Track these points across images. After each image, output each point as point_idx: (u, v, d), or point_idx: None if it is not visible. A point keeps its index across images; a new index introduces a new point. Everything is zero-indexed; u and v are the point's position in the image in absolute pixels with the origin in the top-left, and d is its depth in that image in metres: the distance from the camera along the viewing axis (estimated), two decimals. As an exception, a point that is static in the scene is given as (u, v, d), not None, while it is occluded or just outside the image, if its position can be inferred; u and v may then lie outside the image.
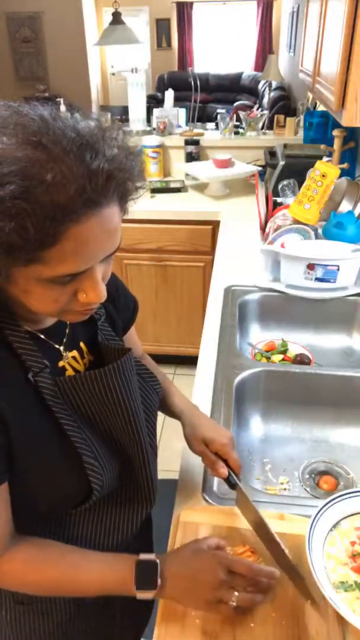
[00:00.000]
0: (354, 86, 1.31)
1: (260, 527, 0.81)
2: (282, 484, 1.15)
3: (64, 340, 0.77)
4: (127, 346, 0.88)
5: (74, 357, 0.78)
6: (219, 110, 3.56)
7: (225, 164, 2.72)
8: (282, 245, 1.66)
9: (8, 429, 0.66)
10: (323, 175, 1.64)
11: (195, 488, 0.96)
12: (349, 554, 0.78)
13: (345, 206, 1.80)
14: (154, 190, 2.75)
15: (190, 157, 2.97)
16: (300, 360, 1.43)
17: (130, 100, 3.09)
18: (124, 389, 0.75)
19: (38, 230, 0.53)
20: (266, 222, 1.89)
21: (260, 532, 0.82)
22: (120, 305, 0.91)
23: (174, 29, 9.10)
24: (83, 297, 0.63)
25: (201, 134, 3.06)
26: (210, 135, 3.12)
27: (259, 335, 1.63)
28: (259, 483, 1.15)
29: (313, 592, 0.73)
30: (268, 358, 1.46)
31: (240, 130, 3.10)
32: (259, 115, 3.08)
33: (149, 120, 3.17)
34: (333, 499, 0.84)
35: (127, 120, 3.19)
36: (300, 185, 1.78)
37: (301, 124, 2.98)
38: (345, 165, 2.04)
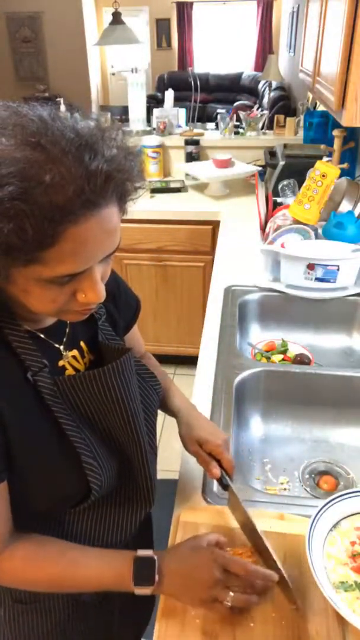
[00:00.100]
0: (354, 86, 1.31)
1: (249, 529, 0.81)
2: (282, 484, 1.15)
3: (64, 339, 0.77)
4: (130, 345, 0.88)
5: (74, 357, 0.78)
6: (219, 110, 3.56)
7: (225, 164, 2.72)
8: (282, 245, 1.66)
9: (7, 428, 0.66)
10: (323, 175, 1.64)
11: (195, 488, 0.96)
12: (349, 554, 0.78)
13: (345, 206, 1.80)
14: (154, 190, 2.74)
15: (190, 157, 2.97)
16: (300, 360, 1.43)
17: (130, 100, 3.09)
18: (123, 389, 0.75)
19: (36, 231, 0.54)
20: (266, 222, 1.89)
21: (249, 534, 0.82)
22: (122, 305, 0.91)
23: (174, 29, 9.10)
24: (82, 297, 0.63)
25: (201, 134, 3.06)
26: (210, 135, 3.12)
27: (259, 335, 1.63)
28: (259, 483, 1.15)
29: (298, 600, 0.73)
30: (268, 358, 1.46)
31: (240, 130, 3.10)
32: (259, 115, 3.08)
33: (149, 120, 3.17)
34: (333, 499, 0.84)
35: (127, 120, 3.19)
36: (300, 185, 1.78)
37: (301, 124, 2.98)
38: (345, 165, 2.04)
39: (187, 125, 3.22)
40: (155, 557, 0.73)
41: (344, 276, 1.57)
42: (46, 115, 0.57)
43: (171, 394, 1.00)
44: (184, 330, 2.81)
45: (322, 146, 2.27)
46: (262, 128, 3.12)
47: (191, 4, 8.87)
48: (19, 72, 7.98)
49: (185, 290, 2.70)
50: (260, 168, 2.72)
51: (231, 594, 0.70)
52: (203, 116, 5.31)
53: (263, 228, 1.91)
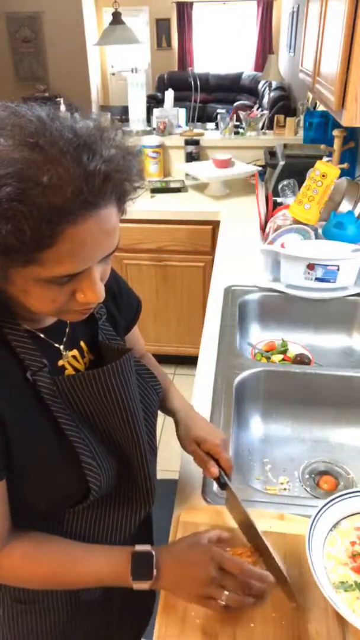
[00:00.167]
0: (354, 86, 1.31)
1: (248, 527, 0.81)
2: (282, 484, 1.15)
3: (64, 339, 0.77)
4: (130, 345, 0.88)
5: (74, 357, 0.78)
6: (219, 110, 3.55)
7: (225, 164, 2.72)
8: (282, 245, 1.66)
9: (6, 428, 0.66)
10: (323, 175, 1.64)
11: (195, 488, 0.96)
12: (349, 554, 0.78)
13: (345, 206, 1.80)
14: (154, 190, 2.74)
15: (190, 157, 2.97)
16: (300, 360, 1.43)
17: (130, 100, 3.09)
18: (122, 389, 0.75)
19: (34, 232, 0.54)
20: (266, 222, 1.89)
21: (247, 532, 0.82)
22: (123, 305, 0.91)
23: (174, 29, 9.10)
24: (81, 297, 0.63)
25: (201, 134, 3.06)
26: (210, 135, 3.12)
27: (259, 335, 1.63)
28: (259, 483, 1.15)
29: (297, 598, 0.73)
30: (268, 358, 1.46)
31: (240, 130, 3.10)
32: (259, 115, 3.08)
33: (149, 120, 3.17)
34: (333, 499, 0.84)
35: (127, 120, 3.19)
36: (300, 185, 1.78)
37: (301, 124, 2.98)
38: (345, 165, 2.04)
39: (187, 125, 3.22)
40: (154, 552, 0.73)
41: (344, 276, 1.57)
42: (44, 115, 0.57)
43: (170, 394, 1.00)
44: (184, 330, 2.81)
45: (322, 146, 2.27)
46: (262, 128, 3.12)
47: (191, 4, 8.87)
48: (19, 72, 7.97)
49: (185, 290, 2.70)
50: (260, 168, 2.72)
51: (226, 592, 0.70)
52: (203, 116, 5.31)
53: (263, 228, 1.91)
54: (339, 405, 1.28)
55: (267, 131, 3.15)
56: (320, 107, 2.83)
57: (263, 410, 1.32)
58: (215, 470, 0.87)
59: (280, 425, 1.31)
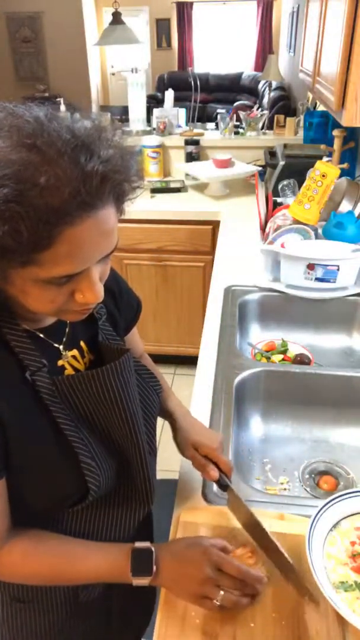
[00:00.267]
0: (354, 86, 1.31)
1: (254, 526, 0.81)
2: (282, 484, 1.15)
3: (64, 339, 0.77)
4: (128, 346, 0.88)
5: (73, 356, 0.78)
6: (219, 110, 3.55)
7: (225, 164, 2.72)
8: (282, 245, 1.66)
9: (5, 428, 0.66)
10: (323, 175, 1.64)
11: (195, 488, 0.96)
12: (349, 554, 0.78)
13: (345, 206, 1.80)
14: (154, 190, 2.74)
15: (190, 157, 2.96)
16: (300, 360, 1.43)
17: (130, 100, 3.08)
18: (121, 389, 0.75)
19: (32, 234, 0.53)
20: (266, 222, 1.89)
21: (253, 532, 0.82)
22: (123, 305, 0.91)
23: (174, 29, 9.10)
24: (80, 297, 0.63)
25: (201, 134, 3.06)
26: (210, 135, 3.12)
27: (259, 335, 1.63)
28: (259, 483, 1.15)
29: (310, 589, 0.72)
30: (268, 358, 1.46)
31: (240, 130, 3.10)
32: (259, 115, 3.08)
33: (149, 120, 3.17)
34: (333, 499, 0.84)
35: (127, 120, 3.19)
36: (300, 185, 1.78)
37: (301, 124, 2.98)
38: (345, 165, 2.04)
39: (187, 125, 3.22)
40: (153, 549, 0.74)
41: (344, 276, 1.57)
42: (42, 116, 0.57)
43: (166, 397, 1.00)
44: (184, 330, 2.81)
45: (322, 146, 2.27)
46: (262, 128, 3.12)
47: (191, 4, 8.87)
48: (19, 72, 7.98)
49: (185, 290, 2.70)
50: (260, 168, 2.71)
51: (222, 592, 0.70)
52: (203, 116, 5.31)
53: (263, 228, 1.91)
54: (339, 405, 1.28)
55: (267, 131, 3.15)
56: (320, 107, 2.83)
57: (263, 410, 1.32)
58: (214, 473, 0.87)
59: (280, 425, 1.31)
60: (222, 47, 9.27)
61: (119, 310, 0.89)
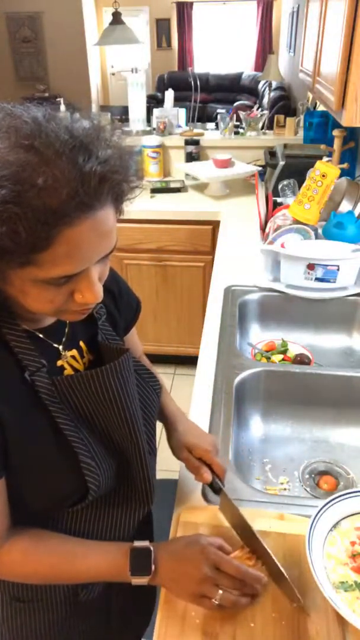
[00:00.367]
0: (354, 86, 1.31)
1: (243, 529, 0.81)
2: (282, 484, 1.15)
3: (63, 339, 0.77)
4: (127, 346, 0.88)
5: (73, 357, 0.78)
6: (219, 110, 3.55)
7: (225, 164, 2.72)
8: (282, 245, 1.66)
9: (5, 428, 0.66)
10: (323, 175, 1.64)
11: (195, 488, 0.96)
12: (349, 554, 0.78)
13: (345, 206, 1.80)
14: (154, 190, 2.74)
15: (190, 157, 2.96)
16: (300, 360, 1.43)
17: (130, 100, 3.08)
18: (120, 389, 0.75)
19: (30, 235, 0.54)
20: (266, 222, 1.89)
21: (243, 535, 0.82)
22: (123, 305, 0.91)
23: (174, 29, 9.10)
24: (80, 297, 0.63)
25: (201, 134, 3.06)
26: (210, 135, 3.12)
27: (259, 335, 1.63)
28: (259, 483, 1.15)
29: (299, 595, 0.73)
30: (268, 358, 1.46)
31: (240, 130, 3.10)
32: (259, 115, 3.08)
33: (149, 120, 3.17)
34: (333, 499, 0.84)
35: (127, 120, 3.19)
36: (300, 185, 1.78)
37: (301, 124, 2.98)
38: (345, 165, 2.04)
39: (187, 125, 3.22)
40: (152, 548, 0.74)
41: (344, 276, 1.57)
42: (40, 116, 0.57)
43: (162, 398, 1.00)
44: (184, 330, 2.81)
45: (322, 146, 2.27)
46: (262, 128, 3.12)
47: (191, 4, 8.87)
48: (19, 72, 7.97)
49: (185, 290, 2.70)
50: (260, 168, 2.71)
51: (220, 592, 0.70)
52: (203, 116, 5.32)
53: (263, 228, 1.91)
54: (339, 405, 1.28)
55: (267, 131, 3.15)
56: (320, 107, 2.83)
57: (263, 410, 1.32)
58: (207, 476, 0.87)
59: (280, 425, 1.31)
60: (222, 47, 9.27)
61: (119, 311, 0.89)
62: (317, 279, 1.57)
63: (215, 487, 0.87)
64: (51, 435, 0.70)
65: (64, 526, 0.79)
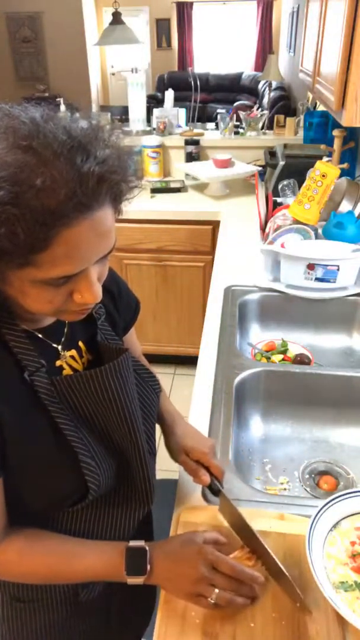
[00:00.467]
0: (354, 86, 1.31)
1: (243, 529, 0.81)
2: (282, 484, 1.15)
3: (62, 339, 0.77)
4: (126, 346, 0.88)
5: (72, 357, 0.78)
6: (219, 110, 3.55)
7: (225, 164, 2.72)
8: (282, 245, 1.66)
9: (4, 428, 0.66)
10: (323, 175, 1.64)
11: (195, 488, 0.96)
12: (349, 554, 0.78)
13: (345, 206, 1.80)
14: (154, 190, 2.74)
15: (190, 157, 2.96)
16: (300, 360, 1.43)
17: (130, 100, 3.08)
18: (120, 389, 0.75)
19: (28, 235, 0.54)
20: (266, 222, 1.89)
21: (243, 535, 0.82)
22: (122, 305, 0.91)
23: (174, 29, 9.10)
24: (79, 297, 0.64)
25: (201, 134, 3.06)
26: (210, 135, 3.12)
27: (259, 335, 1.63)
28: (259, 483, 1.15)
29: (301, 594, 0.72)
30: (268, 358, 1.46)
31: (240, 130, 3.10)
32: (259, 115, 3.08)
33: (149, 120, 3.17)
34: (333, 499, 0.84)
35: (127, 120, 3.19)
36: (300, 185, 1.78)
37: (301, 124, 2.98)
38: (345, 165, 2.04)
39: (187, 125, 3.22)
40: (147, 548, 0.74)
41: (344, 276, 1.57)
42: (38, 117, 0.57)
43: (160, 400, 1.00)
44: (184, 330, 2.81)
45: (322, 146, 2.27)
46: (262, 128, 3.12)
47: (191, 4, 8.87)
48: (19, 72, 7.97)
49: (185, 290, 2.70)
50: (260, 168, 2.71)
51: (216, 591, 0.70)
52: (203, 116, 5.31)
53: (263, 228, 1.91)
54: (339, 405, 1.28)
55: (267, 131, 3.15)
56: (320, 107, 2.83)
57: (263, 410, 1.32)
58: (206, 478, 0.87)
59: (280, 425, 1.31)
60: (222, 47, 9.27)
61: (118, 311, 0.89)
62: (317, 279, 1.57)
63: (214, 489, 0.88)
64: (51, 435, 0.70)
65: (63, 526, 0.79)
